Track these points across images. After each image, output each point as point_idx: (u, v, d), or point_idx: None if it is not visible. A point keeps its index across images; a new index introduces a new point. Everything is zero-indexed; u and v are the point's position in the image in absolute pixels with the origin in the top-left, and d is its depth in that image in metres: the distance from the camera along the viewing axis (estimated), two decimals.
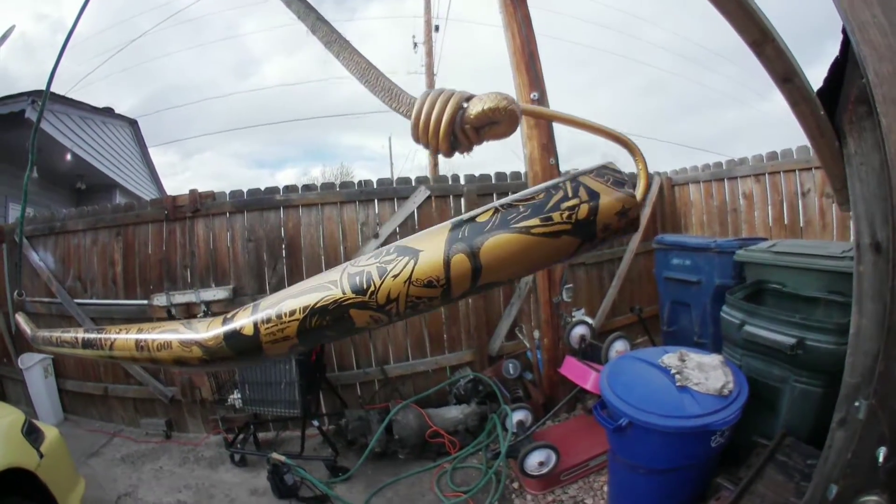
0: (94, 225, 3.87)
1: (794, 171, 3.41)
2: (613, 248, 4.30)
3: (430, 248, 0.47)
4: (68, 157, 6.00)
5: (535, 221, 0.46)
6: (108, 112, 7.58)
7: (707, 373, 2.32)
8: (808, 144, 3.33)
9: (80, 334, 0.86)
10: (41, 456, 2.06)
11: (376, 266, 0.48)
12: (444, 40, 10.26)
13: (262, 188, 3.80)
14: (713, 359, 2.40)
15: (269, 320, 0.52)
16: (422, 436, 3.24)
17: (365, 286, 0.47)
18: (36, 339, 1.18)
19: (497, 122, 0.46)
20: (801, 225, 3.32)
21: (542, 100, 3.21)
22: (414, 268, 0.46)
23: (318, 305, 0.49)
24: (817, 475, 1.33)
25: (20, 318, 1.45)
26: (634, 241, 4.32)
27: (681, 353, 2.47)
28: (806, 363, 2.10)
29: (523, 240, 0.46)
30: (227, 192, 3.76)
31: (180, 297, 3.58)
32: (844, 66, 0.85)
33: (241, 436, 3.29)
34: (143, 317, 3.65)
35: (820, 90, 0.92)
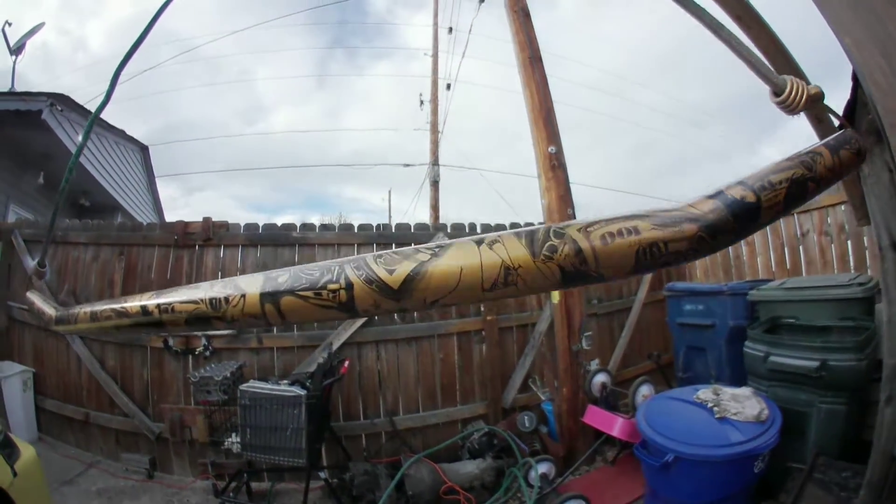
0: (96, 240, 3.85)
1: (793, 214, 3.84)
2: (623, 297, 4.55)
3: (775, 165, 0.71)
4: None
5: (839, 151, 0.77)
6: (121, 133, 7.65)
7: (742, 403, 2.46)
8: None
9: (209, 292, 0.62)
10: (14, 474, 1.91)
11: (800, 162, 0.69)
12: (451, 99, 11.29)
13: (279, 224, 3.93)
14: (744, 390, 2.56)
15: (766, 188, 0.62)
16: (436, 492, 3.09)
17: (805, 173, 0.68)
18: (66, 319, 0.98)
19: (817, 101, 0.82)
20: (803, 265, 3.68)
21: (559, 154, 3.65)
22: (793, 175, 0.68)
23: (796, 177, 0.65)
24: (875, 452, 1.50)
25: (34, 298, 1.25)
26: (642, 291, 4.61)
27: (714, 387, 2.63)
28: (830, 383, 2.32)
29: (848, 156, 0.76)
30: (242, 224, 3.86)
31: None
32: (855, 106, 1.10)
33: (233, 484, 3.04)
34: (137, 343, 3.54)
35: (839, 126, 1.23)
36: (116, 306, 0.78)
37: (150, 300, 0.71)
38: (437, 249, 0.53)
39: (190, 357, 3.52)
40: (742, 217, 0.58)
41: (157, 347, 3.53)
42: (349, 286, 0.52)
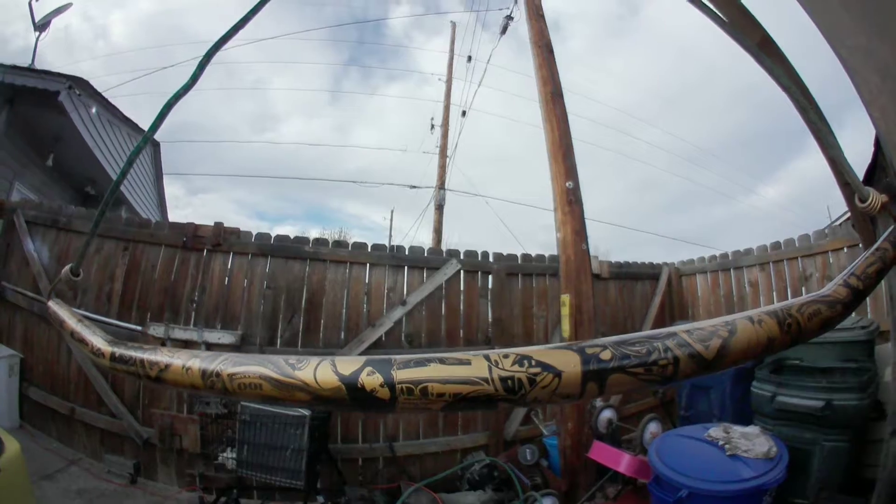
0: (102, 232, 3.80)
1: (797, 258, 4.13)
2: (626, 333, 4.73)
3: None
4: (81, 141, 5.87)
5: None
6: (134, 126, 7.64)
7: (752, 440, 2.63)
8: (808, 233, 4.19)
9: (485, 369, 0.53)
10: None
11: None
12: (462, 125, 11.49)
13: (292, 236, 4.02)
14: (753, 428, 2.74)
15: (867, 279, 0.85)
16: None
17: (882, 265, 0.88)
18: (132, 361, 0.65)
19: (886, 207, 0.98)
20: None
21: (576, 189, 3.89)
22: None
23: (878, 269, 0.87)
24: (880, 483, 1.66)
25: (65, 315, 0.96)
26: (647, 327, 4.79)
27: (724, 425, 2.79)
28: (834, 422, 2.52)
29: None
30: (254, 232, 3.95)
31: (180, 333, 3.52)
32: (874, 170, 1.25)
33: (221, 499, 2.99)
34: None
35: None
36: (275, 374, 0.53)
37: (367, 373, 0.52)
38: (729, 326, 0.63)
39: None
40: (858, 299, 0.82)
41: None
42: (676, 361, 0.58)
